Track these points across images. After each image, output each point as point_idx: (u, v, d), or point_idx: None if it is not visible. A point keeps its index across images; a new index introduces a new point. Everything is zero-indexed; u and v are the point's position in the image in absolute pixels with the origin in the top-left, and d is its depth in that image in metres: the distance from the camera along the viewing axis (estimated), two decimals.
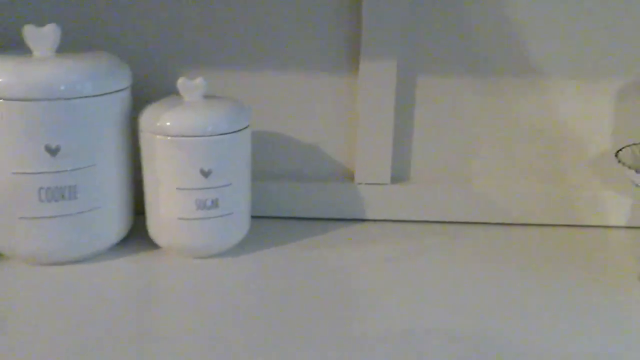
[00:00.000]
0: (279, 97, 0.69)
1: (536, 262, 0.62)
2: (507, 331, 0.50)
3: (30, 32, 0.55)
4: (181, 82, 0.59)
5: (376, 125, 0.68)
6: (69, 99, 0.54)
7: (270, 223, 0.69)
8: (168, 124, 0.57)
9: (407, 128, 0.70)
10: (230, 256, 0.61)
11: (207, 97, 0.60)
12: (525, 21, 0.66)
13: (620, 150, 0.59)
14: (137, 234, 0.63)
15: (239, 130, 0.59)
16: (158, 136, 0.57)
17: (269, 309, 0.53)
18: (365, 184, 0.70)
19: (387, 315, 0.52)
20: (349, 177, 0.71)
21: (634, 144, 0.60)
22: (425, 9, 0.66)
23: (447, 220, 0.70)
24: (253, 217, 0.66)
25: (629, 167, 0.54)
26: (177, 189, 0.58)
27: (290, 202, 0.70)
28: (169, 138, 0.57)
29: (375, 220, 0.71)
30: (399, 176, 0.71)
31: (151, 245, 0.62)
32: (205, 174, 0.57)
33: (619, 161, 0.56)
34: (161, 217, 0.59)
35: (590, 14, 0.65)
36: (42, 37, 0.55)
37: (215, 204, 0.58)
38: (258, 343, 0.48)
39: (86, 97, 0.55)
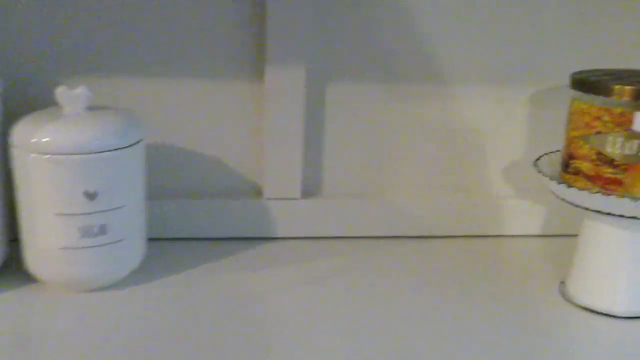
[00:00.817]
0: (177, 107, 0.62)
1: (452, 274, 0.59)
2: (427, 348, 0.46)
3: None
4: (60, 92, 0.52)
5: (285, 136, 0.63)
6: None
7: (170, 246, 0.62)
8: (45, 140, 0.49)
9: (317, 139, 0.65)
10: (122, 288, 0.54)
11: (92, 108, 0.53)
12: (435, 27, 0.63)
13: (539, 159, 0.56)
14: (11, 265, 0.55)
15: (129, 146, 0.52)
16: (33, 154, 0.49)
17: (168, 347, 0.46)
18: (275, 199, 0.65)
19: (303, 345, 0.47)
20: (257, 192, 0.66)
21: (551, 153, 0.58)
22: (332, 14, 0.62)
23: (361, 235, 0.66)
24: (150, 239, 0.59)
25: (550, 178, 0.52)
26: (57, 214, 0.50)
27: (192, 222, 0.64)
28: (46, 156, 0.49)
29: (286, 238, 0.65)
30: (310, 190, 0.66)
31: (28, 277, 0.54)
32: (91, 196, 0.50)
33: (539, 171, 0.53)
34: (39, 247, 0.52)
35: (502, 21, 0.63)
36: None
37: (102, 230, 0.51)
38: None
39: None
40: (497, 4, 0.63)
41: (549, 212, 0.68)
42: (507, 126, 0.66)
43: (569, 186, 0.50)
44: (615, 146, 0.48)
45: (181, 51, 0.61)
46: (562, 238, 0.68)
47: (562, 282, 0.58)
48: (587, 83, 0.50)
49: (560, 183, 0.51)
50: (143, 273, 0.56)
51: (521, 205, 0.67)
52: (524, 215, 0.68)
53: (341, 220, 0.66)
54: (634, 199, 0.47)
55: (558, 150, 0.57)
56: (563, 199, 0.52)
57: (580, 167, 0.51)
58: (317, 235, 0.66)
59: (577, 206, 0.51)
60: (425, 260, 0.62)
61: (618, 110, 0.48)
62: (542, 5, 0.63)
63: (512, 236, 0.68)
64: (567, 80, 0.54)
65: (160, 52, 0.60)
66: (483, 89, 0.65)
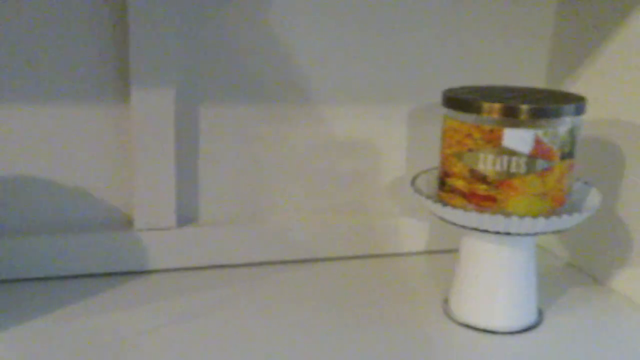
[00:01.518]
0: (34, 135, 0.57)
1: (336, 297, 0.57)
2: None
3: None
4: None
5: (156, 162, 0.59)
6: None
7: (25, 287, 0.56)
8: None
9: (191, 163, 0.62)
10: None
11: None
12: (305, 47, 0.61)
13: (416, 177, 0.56)
14: None
15: None
16: None
17: None
18: (147, 229, 0.60)
19: None
20: (127, 223, 0.61)
21: (428, 170, 0.57)
22: (200, 33, 0.58)
23: (244, 262, 0.63)
24: (2, 281, 0.53)
25: (426, 197, 0.51)
26: None
27: (54, 259, 0.58)
28: None
29: (161, 271, 0.61)
30: (186, 218, 0.63)
31: None
32: None
33: (415, 190, 0.52)
34: None
35: (373, 41, 0.62)
36: None
37: None
38: None
39: None
40: (366, 24, 0.62)
41: (434, 228, 0.68)
42: (385, 145, 0.65)
43: (444, 205, 0.49)
44: (487, 163, 0.48)
45: (37, 75, 0.55)
46: (449, 254, 0.68)
47: (445, 300, 0.57)
48: (457, 101, 0.49)
49: (436, 202, 0.50)
50: None
51: (406, 223, 0.67)
52: (409, 233, 0.67)
53: (222, 248, 0.62)
54: (507, 215, 0.47)
55: (436, 168, 0.57)
56: (441, 218, 0.51)
57: (455, 185, 0.50)
58: (196, 265, 0.62)
59: (454, 224, 0.50)
60: (310, 284, 0.60)
61: (488, 127, 0.48)
62: (413, 24, 0.63)
63: (398, 255, 0.67)
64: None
65: (11, 75, 0.55)
66: (358, 108, 0.64)
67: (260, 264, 0.64)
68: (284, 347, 0.49)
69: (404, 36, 0.63)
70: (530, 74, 0.67)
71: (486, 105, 0.48)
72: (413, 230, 0.67)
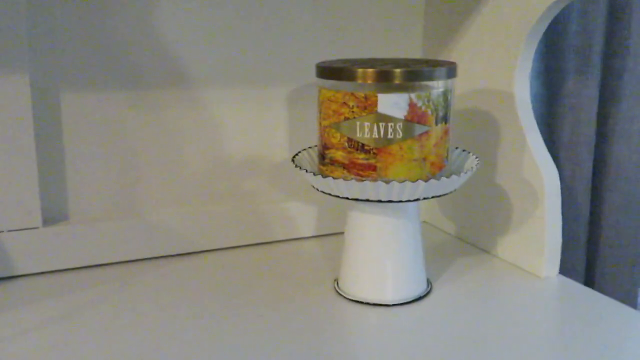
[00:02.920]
0: None
1: (225, 286, 0.54)
2: None
3: None
4: None
5: (13, 157, 0.54)
6: None
7: None
8: None
9: (55, 157, 0.57)
10: None
11: None
12: (175, 29, 0.58)
13: (297, 154, 0.54)
14: None
15: None
16: None
17: None
18: (10, 231, 0.55)
19: None
20: None
21: (309, 148, 0.56)
22: (57, 15, 0.54)
23: (120, 260, 0.59)
24: None
25: (307, 171, 0.49)
26: None
27: None
28: None
29: (26, 275, 0.56)
30: (53, 217, 0.58)
31: None
32: None
33: (296, 165, 0.50)
34: None
35: (250, 23, 0.60)
36: None
37: None
38: None
39: None
40: (240, 5, 0.60)
41: (322, 212, 0.66)
42: (266, 128, 0.64)
43: (324, 176, 0.48)
44: (364, 131, 0.47)
45: None
46: (339, 236, 0.67)
47: (336, 280, 0.56)
48: (330, 70, 0.48)
49: (316, 174, 0.48)
50: None
51: (293, 208, 0.65)
52: (297, 218, 0.65)
53: (95, 247, 0.58)
54: (387, 182, 0.46)
55: (316, 145, 0.56)
56: (323, 192, 0.50)
57: (334, 157, 0.49)
58: (66, 267, 0.57)
59: (336, 197, 0.49)
60: (195, 276, 0.57)
61: (362, 93, 0.47)
62: (286, 3, 0.61)
63: (287, 240, 0.65)
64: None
65: None
66: (235, 91, 0.61)
67: (139, 260, 0.60)
68: (166, 338, 0.45)
69: (278, 17, 0.62)
70: (407, 48, 0.68)
71: (360, 72, 0.47)
72: (301, 215, 0.65)
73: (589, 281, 0.79)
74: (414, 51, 0.68)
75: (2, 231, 0.55)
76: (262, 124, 0.63)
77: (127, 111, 0.58)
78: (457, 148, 0.56)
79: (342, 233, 0.68)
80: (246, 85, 0.62)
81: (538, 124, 0.75)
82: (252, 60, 0.62)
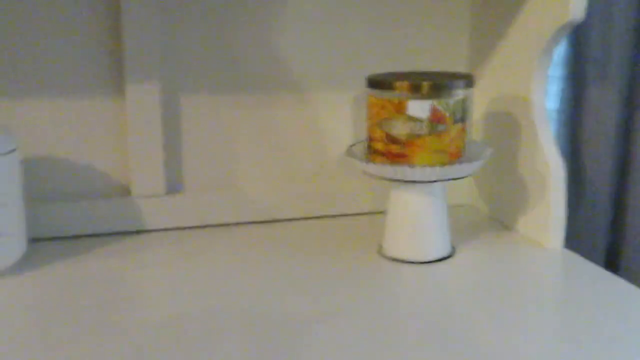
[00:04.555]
0: (51, 122, 0.72)
1: (296, 250, 0.71)
2: (277, 297, 0.58)
3: None
4: None
5: (147, 142, 0.74)
6: None
7: (52, 244, 0.71)
8: None
9: (176, 141, 0.76)
10: (4, 278, 0.63)
11: None
12: (282, 41, 0.76)
13: (353, 145, 0.70)
14: None
15: (3, 154, 0.61)
16: None
17: (42, 325, 0.56)
18: (142, 196, 0.75)
19: (160, 305, 0.58)
20: (125, 191, 0.76)
21: (364, 141, 0.72)
22: (184, 29, 0.74)
23: (221, 223, 0.78)
24: (34, 239, 0.68)
25: (355, 158, 0.66)
26: None
27: (71, 221, 0.73)
28: None
29: (153, 231, 0.76)
30: (173, 187, 0.77)
31: None
32: None
33: (349, 154, 0.67)
34: None
35: (337, 39, 0.77)
36: None
37: None
38: None
39: None
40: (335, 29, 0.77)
41: (376, 192, 0.82)
42: (339, 122, 0.80)
43: (367, 162, 0.64)
44: (397, 128, 0.63)
45: (50, 73, 0.71)
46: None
47: (380, 245, 0.72)
48: (375, 82, 0.64)
49: (361, 160, 0.65)
50: (25, 267, 0.65)
51: (351, 188, 0.81)
52: (354, 195, 0.82)
53: (201, 211, 0.77)
54: (412, 166, 0.62)
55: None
56: (367, 174, 0.66)
57: (376, 147, 0.65)
58: (182, 226, 0.77)
59: (379, 178, 0.65)
60: (274, 239, 0.75)
61: (397, 100, 0.63)
62: (357, 17, 0.78)
63: (344, 215, 0.82)
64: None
65: (31, 74, 0.70)
66: (311, 95, 0.79)
67: (230, 224, 0.79)
68: (248, 285, 0.64)
69: (351, 37, 0.78)
70: (453, 58, 0.82)
71: (395, 84, 0.62)
72: (357, 194, 0.82)
73: (612, 265, 0.90)
74: (460, 64, 0.82)
75: (138, 196, 0.75)
76: (335, 119, 0.80)
77: (235, 109, 0.77)
78: (478, 142, 0.70)
79: None
80: (317, 90, 0.79)
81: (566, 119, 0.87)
82: (332, 70, 0.78)
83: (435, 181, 0.63)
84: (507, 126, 0.75)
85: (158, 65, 0.72)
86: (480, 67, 0.81)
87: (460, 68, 0.83)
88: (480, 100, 0.81)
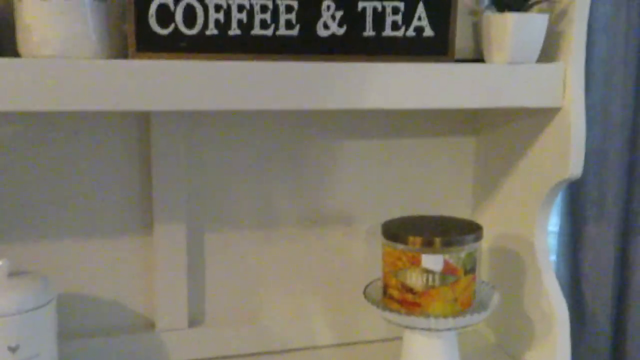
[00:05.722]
0: (84, 261, 0.76)
1: None
2: None
3: None
4: None
5: (172, 278, 0.78)
6: None
7: None
8: None
9: (199, 279, 0.81)
10: None
11: (12, 274, 0.66)
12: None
13: (369, 285, 0.75)
14: None
15: (43, 306, 0.65)
16: None
17: None
18: (166, 330, 0.79)
19: None
20: (150, 325, 0.80)
21: (378, 279, 0.76)
22: (206, 173, 0.79)
23: (240, 354, 0.81)
24: None
25: (373, 303, 0.70)
26: None
27: (101, 357, 0.76)
28: None
29: None
30: (195, 320, 0.81)
31: None
32: (13, 350, 0.63)
33: (366, 297, 0.71)
34: None
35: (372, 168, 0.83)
36: None
37: None
38: None
39: None
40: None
41: None
42: (352, 254, 0.85)
43: (384, 309, 0.68)
44: (412, 278, 0.68)
45: (82, 217, 0.76)
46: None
47: None
48: (391, 234, 0.69)
49: (378, 307, 0.69)
50: None
51: (368, 316, 0.85)
52: (373, 323, 0.85)
53: (222, 343, 0.81)
54: (427, 316, 0.66)
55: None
56: (384, 319, 0.70)
57: (392, 294, 0.70)
58: (203, 357, 0.80)
59: (394, 324, 0.69)
60: None
61: (411, 253, 0.67)
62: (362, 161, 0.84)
63: (363, 342, 0.85)
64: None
65: (63, 218, 0.75)
66: (335, 230, 0.84)
67: (251, 355, 0.82)
68: None
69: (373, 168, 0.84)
70: (459, 204, 0.88)
71: (410, 239, 0.67)
72: (372, 322, 0.85)
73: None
74: (465, 206, 0.88)
75: (162, 330, 0.79)
76: (351, 253, 0.85)
77: (256, 244, 0.81)
78: (486, 283, 0.75)
79: None
80: (338, 223, 0.84)
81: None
82: (357, 206, 0.84)
83: (448, 330, 0.67)
84: (512, 262, 0.80)
85: (185, 205, 0.77)
86: (483, 208, 0.86)
87: (466, 208, 0.88)
88: (485, 234, 0.86)
